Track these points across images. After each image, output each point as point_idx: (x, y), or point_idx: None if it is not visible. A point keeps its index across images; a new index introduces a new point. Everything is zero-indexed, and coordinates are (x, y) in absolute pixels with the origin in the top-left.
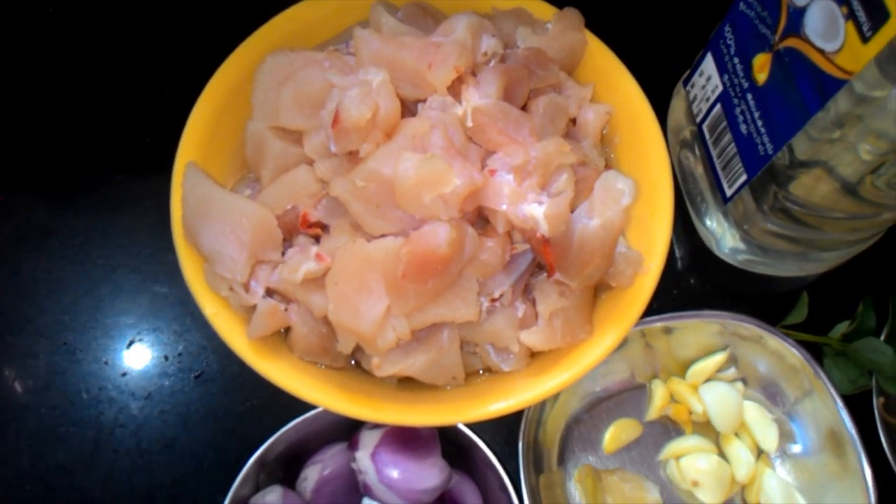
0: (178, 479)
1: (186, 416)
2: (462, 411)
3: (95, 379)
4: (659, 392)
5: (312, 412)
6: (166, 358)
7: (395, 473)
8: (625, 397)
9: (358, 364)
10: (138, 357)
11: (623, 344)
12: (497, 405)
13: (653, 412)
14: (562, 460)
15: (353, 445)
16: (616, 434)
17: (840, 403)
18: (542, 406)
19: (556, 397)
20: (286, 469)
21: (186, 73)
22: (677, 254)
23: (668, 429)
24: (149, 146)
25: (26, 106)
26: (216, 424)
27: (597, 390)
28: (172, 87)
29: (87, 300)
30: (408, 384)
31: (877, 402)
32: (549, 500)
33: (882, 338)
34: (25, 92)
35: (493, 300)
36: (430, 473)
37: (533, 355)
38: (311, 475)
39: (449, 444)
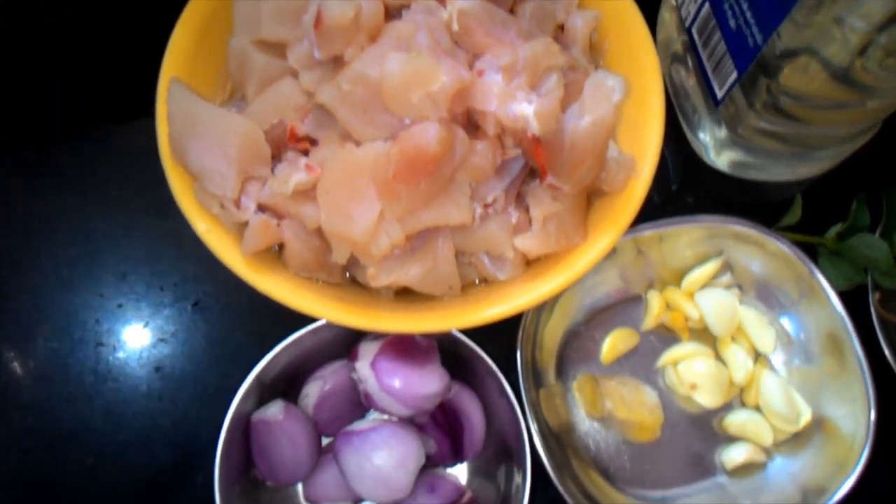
0: (179, 405)
1: (185, 345)
2: (459, 317)
3: (91, 311)
4: (655, 301)
5: (310, 326)
6: (162, 289)
7: (395, 380)
8: (620, 309)
9: (354, 280)
10: (133, 289)
11: (616, 253)
12: (493, 310)
13: (649, 321)
14: (560, 373)
15: (352, 357)
16: (613, 344)
17: (835, 300)
18: (537, 319)
19: (551, 310)
20: (287, 388)
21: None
22: (670, 168)
23: (664, 338)
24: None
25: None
26: (216, 350)
27: (592, 302)
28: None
29: (80, 234)
30: (404, 296)
31: (873, 298)
32: (549, 411)
33: (877, 234)
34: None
35: (486, 206)
36: (430, 380)
37: (528, 264)
38: (312, 391)
39: (448, 356)
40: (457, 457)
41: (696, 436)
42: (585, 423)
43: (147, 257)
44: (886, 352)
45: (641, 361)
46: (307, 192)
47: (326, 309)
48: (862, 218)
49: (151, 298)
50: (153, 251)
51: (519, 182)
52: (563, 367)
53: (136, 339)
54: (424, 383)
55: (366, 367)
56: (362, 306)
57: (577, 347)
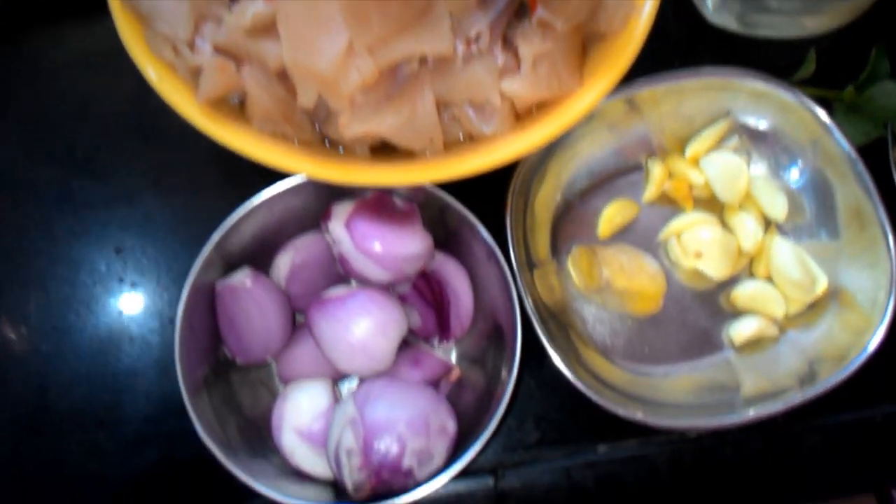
0: (140, 286)
1: (146, 222)
2: (439, 169)
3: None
4: (656, 169)
5: (276, 188)
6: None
7: (372, 239)
8: (618, 181)
9: (326, 141)
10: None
11: (613, 117)
12: (477, 160)
13: (650, 191)
14: (554, 250)
15: (325, 217)
16: (610, 216)
17: (854, 156)
18: (528, 187)
19: (542, 176)
20: (257, 262)
21: None
22: (675, 29)
23: (666, 210)
24: None
25: None
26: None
27: (588, 171)
28: None
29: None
30: (381, 155)
31: (892, 154)
32: (543, 289)
33: None
34: None
35: (469, 43)
36: (410, 240)
37: (518, 118)
38: (283, 263)
39: (434, 227)
40: (444, 334)
41: (702, 312)
42: (581, 300)
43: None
44: None
45: (641, 235)
46: (267, 29)
47: (292, 159)
48: (882, 67)
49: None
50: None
51: (505, 19)
52: (556, 244)
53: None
54: (404, 243)
55: (340, 227)
56: (333, 159)
57: (571, 221)
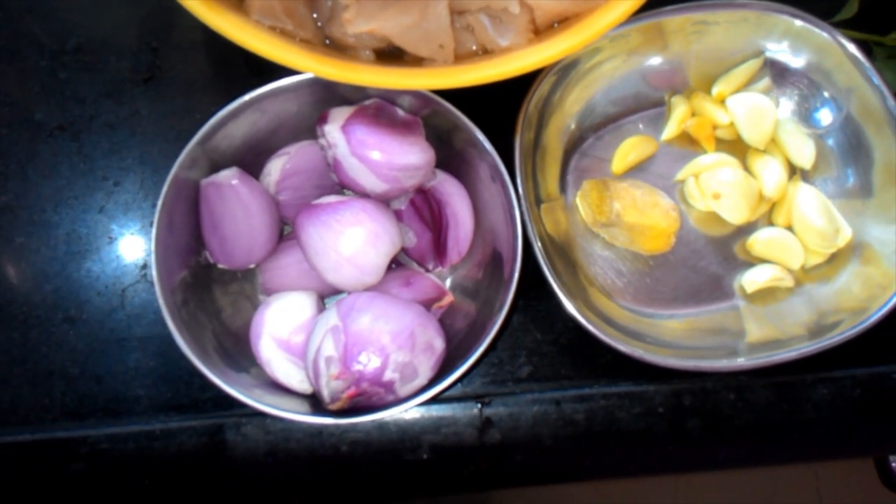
0: (125, 174)
1: (133, 119)
2: (445, 76)
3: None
4: (680, 106)
5: (268, 86)
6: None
7: (368, 144)
8: (640, 118)
9: (331, 43)
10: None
11: (640, 46)
12: (488, 71)
13: (672, 128)
14: (564, 186)
15: (321, 121)
16: (625, 152)
17: (892, 103)
18: (540, 116)
19: (556, 106)
20: (248, 166)
21: None
22: None
23: (686, 152)
24: None
25: None
26: (168, 122)
27: (606, 102)
28: None
29: None
30: (388, 60)
31: None
32: (550, 223)
33: None
34: None
35: None
36: (409, 151)
37: (537, 33)
38: (275, 168)
39: (437, 144)
40: (440, 258)
41: (714, 257)
42: (587, 236)
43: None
44: None
45: (658, 175)
46: None
47: (289, 51)
48: None
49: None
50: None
51: None
52: (566, 177)
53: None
54: (402, 153)
55: (336, 130)
56: (335, 58)
57: (584, 156)
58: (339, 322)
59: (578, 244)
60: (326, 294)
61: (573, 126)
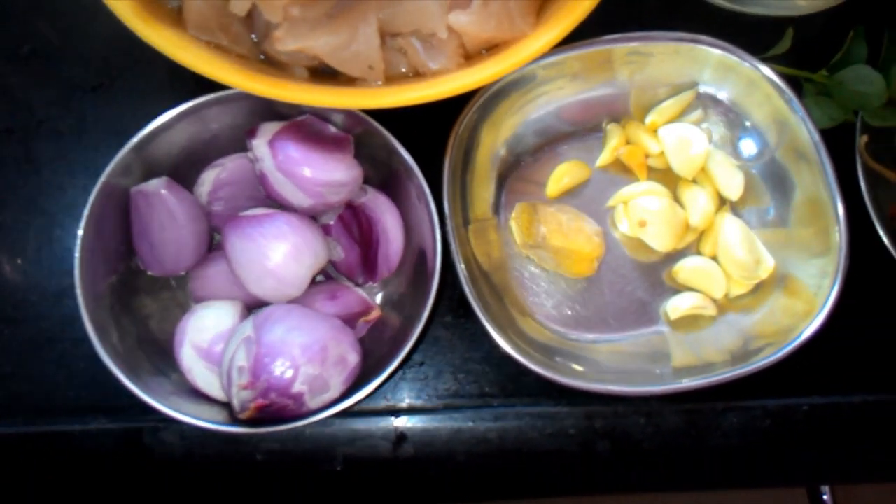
0: (70, 179)
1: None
2: (373, 96)
3: None
4: (615, 133)
5: (203, 98)
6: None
7: (294, 159)
8: (577, 142)
9: (268, 59)
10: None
11: (579, 72)
12: (415, 93)
13: (605, 155)
14: (499, 208)
15: (251, 134)
16: (559, 176)
17: (817, 140)
18: (470, 140)
19: (487, 131)
20: (185, 175)
21: None
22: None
23: (620, 178)
24: None
25: None
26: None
27: (544, 126)
28: None
29: None
30: (321, 78)
31: (859, 142)
32: (479, 244)
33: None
34: None
35: None
36: (336, 167)
37: (468, 58)
38: (208, 178)
39: (373, 162)
40: (369, 273)
41: (641, 283)
42: (520, 258)
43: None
44: (867, 199)
45: (592, 200)
46: None
47: (217, 66)
48: (858, 51)
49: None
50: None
51: None
52: (502, 200)
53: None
54: (328, 169)
55: (263, 145)
56: (264, 74)
57: (521, 179)
58: (253, 333)
59: (511, 265)
60: (254, 305)
61: (506, 149)
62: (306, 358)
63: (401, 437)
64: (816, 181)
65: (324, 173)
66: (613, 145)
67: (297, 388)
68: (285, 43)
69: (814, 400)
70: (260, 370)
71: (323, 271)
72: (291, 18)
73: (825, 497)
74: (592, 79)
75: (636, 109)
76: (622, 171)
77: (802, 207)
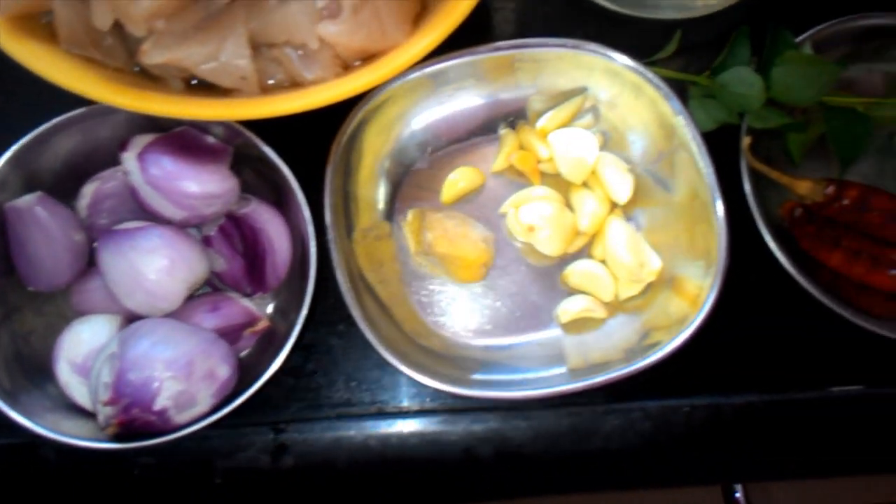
0: None
1: None
2: (243, 108)
3: None
4: (508, 139)
5: (77, 111)
6: None
7: (162, 173)
8: (475, 148)
9: (143, 72)
10: None
11: (463, 81)
12: (286, 104)
13: (498, 161)
14: (393, 213)
15: (123, 147)
16: (453, 181)
17: (699, 143)
18: (352, 150)
19: (372, 138)
20: (67, 189)
21: None
22: (548, 7)
23: (515, 183)
24: None
25: None
26: None
27: (436, 134)
28: None
29: None
30: (198, 89)
31: (743, 144)
32: (369, 252)
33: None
34: None
35: None
36: (207, 179)
37: (346, 67)
38: (88, 191)
39: (261, 174)
40: (256, 284)
41: (535, 287)
42: (413, 264)
43: None
44: (750, 200)
45: (487, 205)
46: None
47: (80, 80)
48: (740, 53)
49: None
50: None
51: None
52: (397, 205)
53: None
54: (198, 181)
55: (132, 158)
56: (135, 88)
57: (416, 185)
58: (117, 348)
59: (406, 271)
60: (135, 318)
61: (396, 157)
62: (170, 373)
63: (280, 447)
64: (700, 183)
65: (193, 185)
66: (506, 151)
67: (161, 403)
68: (151, 56)
69: (694, 401)
70: (122, 386)
71: (209, 282)
72: (157, 31)
73: (738, 495)
74: (486, 85)
75: (532, 115)
76: (519, 176)
77: (688, 209)
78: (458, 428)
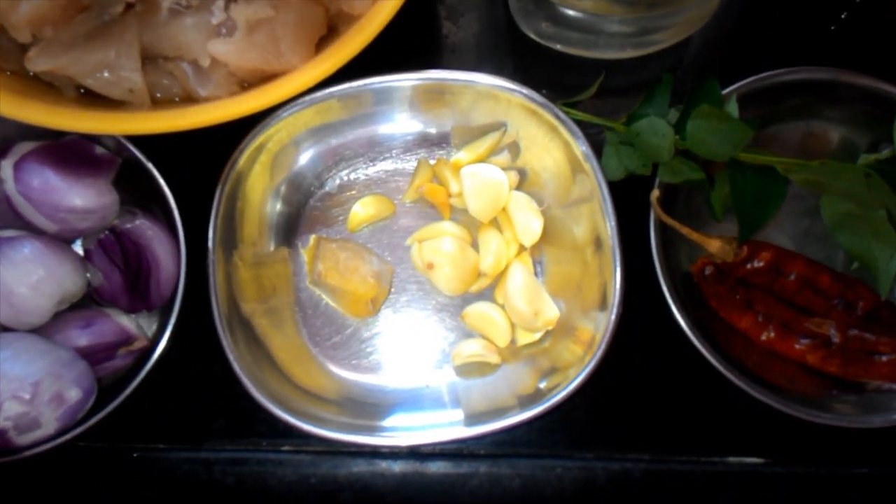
0: None
1: None
2: (126, 122)
3: None
4: (422, 170)
5: None
6: None
7: (34, 183)
8: (389, 175)
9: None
10: None
11: (371, 107)
12: (170, 121)
13: (409, 191)
14: (294, 237)
15: (1, 154)
16: (360, 210)
17: (605, 192)
18: (245, 174)
19: (262, 159)
20: None
21: None
22: (487, 36)
23: (426, 214)
24: None
25: None
26: None
27: (344, 161)
28: None
29: None
30: (93, 100)
31: (651, 196)
32: (256, 278)
33: (674, 122)
34: None
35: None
36: (83, 193)
37: (244, 88)
38: None
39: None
40: (141, 301)
41: (438, 326)
42: (309, 291)
43: None
44: (655, 257)
45: (398, 236)
46: None
47: None
48: (659, 102)
49: None
50: None
51: None
52: (299, 229)
53: None
54: (74, 194)
55: (9, 166)
56: (17, 94)
57: (324, 210)
58: None
59: (298, 298)
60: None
61: (297, 179)
62: (11, 394)
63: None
64: (605, 232)
65: (66, 199)
66: (417, 182)
67: (0, 423)
68: (36, 63)
69: (567, 463)
70: None
71: (88, 295)
72: (45, 38)
73: None
74: (408, 111)
75: (455, 145)
76: (432, 208)
77: (594, 257)
78: (321, 470)
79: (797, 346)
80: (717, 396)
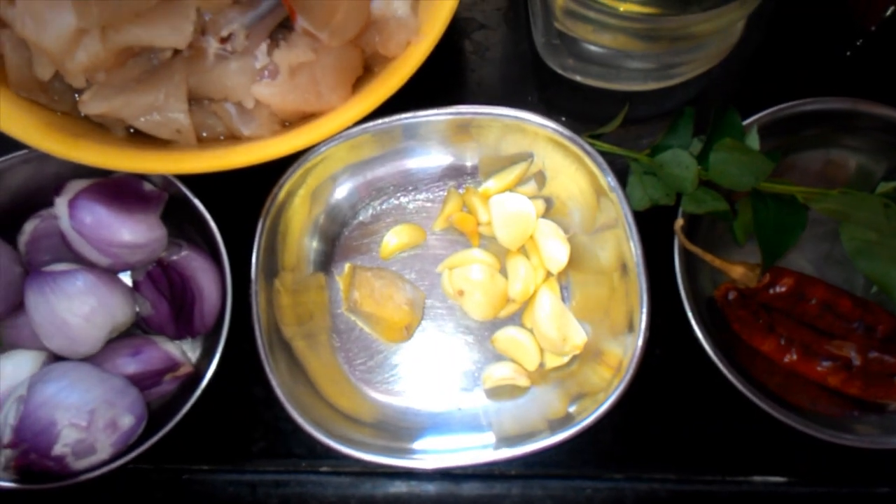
0: None
1: None
2: (173, 162)
3: None
4: (452, 199)
5: (21, 152)
6: None
7: (89, 220)
8: (420, 205)
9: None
10: None
11: (429, 140)
12: (216, 161)
13: (439, 220)
14: (330, 264)
15: (56, 192)
16: (393, 238)
17: (630, 220)
18: (284, 204)
19: (302, 193)
20: (13, 225)
21: None
22: (512, 69)
23: (456, 242)
24: None
25: None
26: None
27: (382, 191)
28: None
29: None
30: (138, 139)
31: (676, 224)
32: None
33: (696, 153)
34: None
35: (223, 41)
36: (134, 228)
37: (285, 126)
38: (28, 228)
39: (196, 228)
40: (186, 329)
41: (467, 350)
42: (344, 317)
43: None
44: (679, 282)
45: (427, 260)
46: None
47: (21, 128)
48: (682, 133)
49: None
50: None
51: (271, 22)
52: (334, 257)
53: None
54: (126, 230)
55: (63, 204)
56: (70, 135)
57: (357, 238)
58: (26, 391)
59: (333, 324)
60: (58, 356)
61: (322, 215)
62: (71, 421)
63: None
64: (630, 259)
65: (118, 234)
66: (447, 211)
67: (59, 450)
68: (90, 107)
69: (598, 484)
70: (23, 431)
71: (137, 324)
72: (98, 83)
73: None
74: (438, 144)
75: (483, 175)
76: (461, 236)
77: (620, 283)
78: (360, 491)
79: (819, 369)
80: (741, 418)
